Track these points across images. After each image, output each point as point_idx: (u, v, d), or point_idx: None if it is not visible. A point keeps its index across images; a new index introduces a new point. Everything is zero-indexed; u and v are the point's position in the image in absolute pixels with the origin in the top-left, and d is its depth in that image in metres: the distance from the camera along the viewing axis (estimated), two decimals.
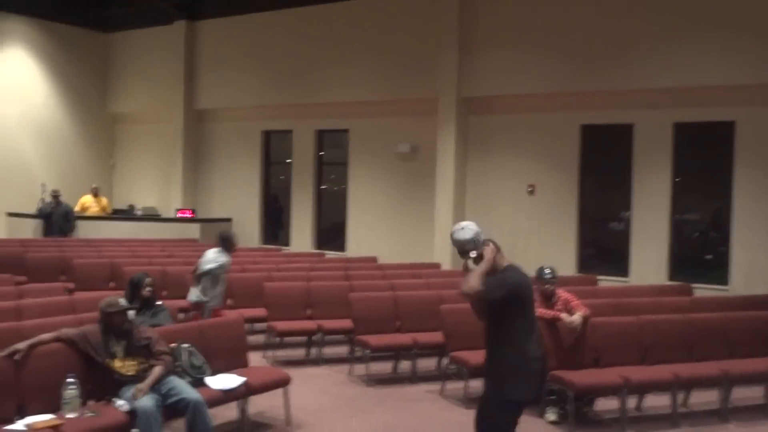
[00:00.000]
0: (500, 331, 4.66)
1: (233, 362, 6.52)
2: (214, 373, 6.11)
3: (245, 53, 17.26)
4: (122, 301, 5.48)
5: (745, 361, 7.34)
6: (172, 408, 5.36)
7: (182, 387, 5.44)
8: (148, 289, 6.82)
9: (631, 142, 12.41)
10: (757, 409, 7.36)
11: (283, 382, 6.44)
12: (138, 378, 5.35)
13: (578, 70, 12.59)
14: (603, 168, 13.24)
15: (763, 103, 11.13)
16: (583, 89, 12.66)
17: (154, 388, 5.32)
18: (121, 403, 5.19)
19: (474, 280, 4.52)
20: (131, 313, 6.56)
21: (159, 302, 7.02)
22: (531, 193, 13.51)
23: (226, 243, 8.27)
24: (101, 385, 5.36)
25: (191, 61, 18.22)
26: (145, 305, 6.79)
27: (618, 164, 12.73)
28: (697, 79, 11.46)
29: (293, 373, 8.27)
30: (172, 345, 5.93)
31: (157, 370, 5.41)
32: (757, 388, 7.63)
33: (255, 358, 8.83)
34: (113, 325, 5.42)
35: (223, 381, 5.94)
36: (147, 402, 5.10)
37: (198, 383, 5.79)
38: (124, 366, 5.39)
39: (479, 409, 4.78)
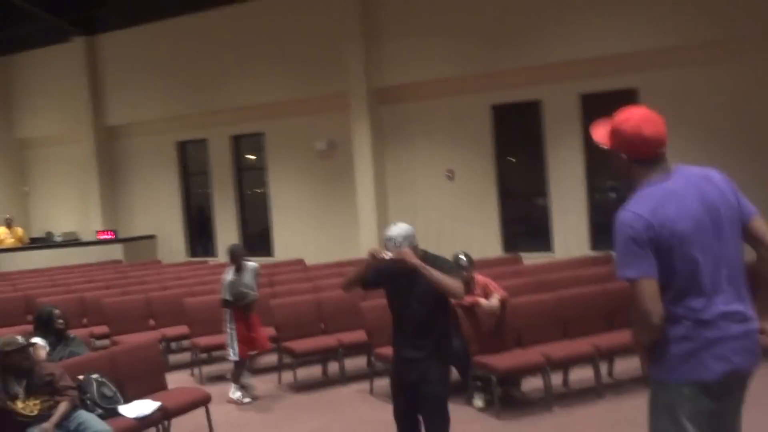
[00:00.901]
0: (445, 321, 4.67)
1: (150, 386, 6.30)
2: (130, 399, 5.90)
3: (150, 64, 16.87)
4: (20, 339, 5.22)
5: None
6: None
7: (91, 421, 5.23)
8: (60, 321, 6.56)
9: (541, 118, 12.57)
10: None
11: (203, 401, 6.26)
12: (43, 417, 5.11)
13: (483, 50, 12.68)
14: (517, 146, 13.39)
15: (663, 67, 11.36)
16: (490, 69, 12.76)
17: (62, 425, 5.11)
18: None
19: (454, 283, 4.48)
20: (42, 353, 6.31)
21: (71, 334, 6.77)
22: (450, 178, 13.55)
23: (230, 257, 7.86)
24: (3, 428, 5.10)
25: (95, 77, 17.73)
26: (58, 339, 6.54)
27: (531, 140, 12.89)
28: (597, 49, 11.66)
29: (222, 388, 8.14)
30: (80, 377, 5.71)
31: (62, 407, 5.18)
32: None
33: (182, 378, 8.66)
34: (12, 364, 5.17)
35: (137, 408, 5.74)
36: None
37: (111, 413, 5.58)
38: (27, 406, 5.14)
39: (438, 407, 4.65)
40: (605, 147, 3.31)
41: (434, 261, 4.56)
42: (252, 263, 7.76)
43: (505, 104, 13.03)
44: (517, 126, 13.25)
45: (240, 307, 7.44)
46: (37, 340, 6.31)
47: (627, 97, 11.66)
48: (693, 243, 2.99)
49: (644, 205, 3.08)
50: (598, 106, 12.19)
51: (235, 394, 7.51)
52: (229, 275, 7.57)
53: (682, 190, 3.08)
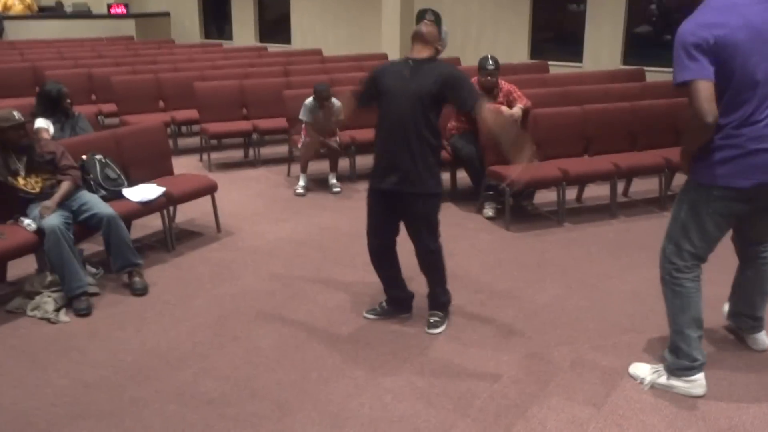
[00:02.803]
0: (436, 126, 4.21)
1: (155, 171, 6.18)
2: (134, 183, 5.79)
3: None
4: (17, 114, 4.97)
5: None
6: (86, 224, 5.07)
7: (94, 202, 5.12)
8: (68, 101, 6.33)
9: None
10: None
11: (209, 189, 6.15)
12: (45, 195, 4.99)
13: None
14: None
15: None
16: None
17: (64, 204, 4.99)
18: (28, 222, 4.87)
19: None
20: (51, 130, 6.13)
21: (76, 111, 6.55)
22: None
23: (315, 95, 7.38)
24: (7, 204, 5.02)
25: None
26: (65, 117, 6.33)
27: None
28: None
29: (229, 176, 8.09)
30: (84, 157, 5.55)
31: (64, 186, 5.05)
32: None
33: (191, 162, 8.59)
34: (9, 141, 4.96)
35: (142, 192, 5.63)
36: (54, 220, 4.78)
37: (115, 196, 5.48)
38: (28, 183, 5.01)
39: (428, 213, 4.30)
40: None
41: (453, 81, 4.07)
42: (338, 102, 7.24)
43: None
44: None
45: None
46: (40, 122, 6.10)
47: None
48: (751, 55, 3.14)
49: (708, 14, 3.21)
50: None
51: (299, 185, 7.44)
52: (310, 100, 7.25)
53: (747, 2, 3.19)
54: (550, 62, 11.28)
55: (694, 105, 3.11)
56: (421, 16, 4.18)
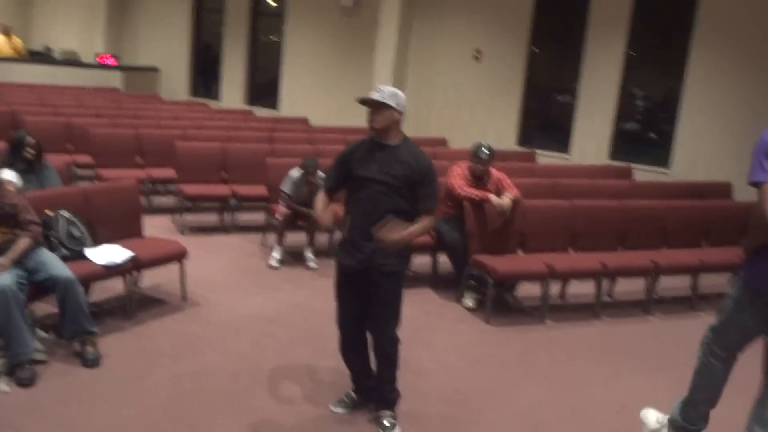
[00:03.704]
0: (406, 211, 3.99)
1: (124, 231, 5.84)
2: (100, 243, 5.45)
3: None
4: None
5: (675, 252, 7.04)
6: (41, 285, 4.71)
7: (52, 262, 4.76)
8: (29, 150, 6.04)
9: (587, 11, 11.59)
10: (682, 301, 7.11)
11: (179, 256, 5.83)
12: (1, 250, 4.64)
13: None
14: (554, 36, 12.46)
15: None
16: None
17: (19, 262, 4.64)
18: None
19: (425, 228, 4.01)
20: (19, 183, 5.82)
21: (46, 162, 6.26)
22: (477, 59, 12.72)
23: (303, 169, 7.15)
24: None
25: None
26: (29, 167, 6.04)
27: (570, 33, 11.96)
28: None
29: (202, 240, 7.77)
30: (49, 212, 5.22)
31: (21, 243, 4.70)
32: (685, 278, 7.37)
33: (163, 223, 8.27)
34: None
35: (107, 254, 5.28)
36: (6, 279, 4.42)
37: (76, 256, 5.14)
38: None
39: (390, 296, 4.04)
40: None
41: (420, 171, 3.89)
42: (323, 175, 7.06)
43: None
44: (559, 15, 12.27)
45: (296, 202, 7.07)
46: (6, 174, 5.78)
47: (685, 3, 10.76)
48: None
49: None
50: (651, 8, 11.26)
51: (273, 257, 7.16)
52: (295, 172, 7.08)
53: None
54: (537, 150, 11.23)
55: (762, 206, 3.27)
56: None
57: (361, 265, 3.94)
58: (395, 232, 3.76)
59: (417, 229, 3.91)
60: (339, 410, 4.32)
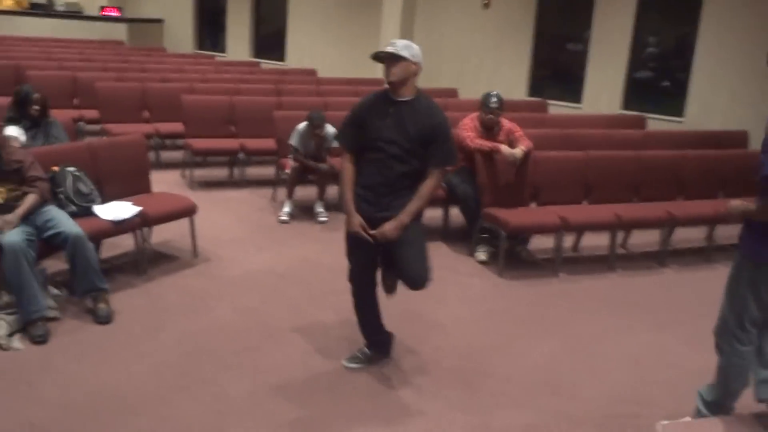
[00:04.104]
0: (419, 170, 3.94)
1: (132, 187, 5.79)
2: (108, 200, 5.40)
3: None
4: None
5: (691, 203, 6.93)
6: (50, 242, 4.67)
7: (60, 219, 4.72)
8: (35, 107, 5.94)
9: None
10: (698, 252, 7.03)
11: (188, 212, 5.77)
12: (8, 207, 4.59)
13: None
14: None
15: None
16: None
17: (28, 219, 4.60)
18: None
19: (431, 191, 3.91)
20: (22, 138, 5.76)
21: (52, 118, 6.18)
22: (486, 6, 12.44)
23: (309, 122, 6.98)
24: None
25: None
26: (35, 124, 5.96)
27: None
28: None
29: (211, 195, 7.72)
30: (55, 168, 5.16)
31: (29, 199, 4.65)
32: (701, 229, 7.29)
33: (172, 178, 8.21)
34: None
35: (115, 210, 5.23)
36: (14, 236, 4.39)
37: (85, 212, 5.09)
38: None
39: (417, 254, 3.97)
40: None
41: (432, 128, 3.82)
42: (331, 128, 6.98)
43: None
44: None
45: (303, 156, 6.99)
46: (10, 130, 5.72)
47: None
48: None
49: None
50: None
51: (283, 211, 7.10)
52: (302, 125, 6.94)
53: None
54: (548, 101, 11.05)
55: None
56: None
57: (381, 212, 3.86)
58: (395, 228, 3.79)
59: (419, 203, 3.84)
60: (352, 365, 4.30)
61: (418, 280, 3.90)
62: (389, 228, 3.81)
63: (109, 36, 14.74)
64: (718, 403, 3.65)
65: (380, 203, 3.87)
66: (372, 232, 3.84)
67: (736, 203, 3.50)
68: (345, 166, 3.98)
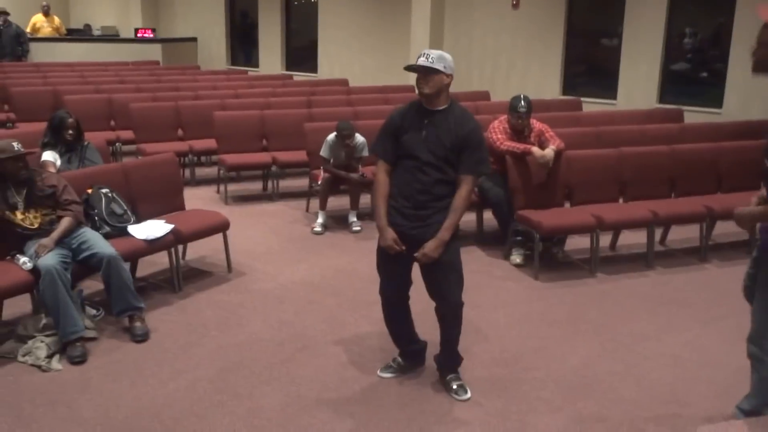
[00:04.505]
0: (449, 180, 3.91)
1: (166, 206, 5.87)
2: (142, 219, 5.48)
3: None
4: (16, 145, 4.69)
5: (730, 196, 6.75)
6: (86, 263, 4.76)
7: (95, 240, 4.80)
8: (70, 132, 6.05)
9: None
10: (738, 246, 6.85)
11: (221, 228, 5.83)
12: (43, 232, 4.70)
13: None
14: None
15: None
16: None
17: (63, 242, 4.69)
18: (24, 260, 4.56)
19: (465, 204, 3.84)
20: (58, 163, 5.89)
21: (86, 141, 6.29)
22: (515, 6, 12.36)
23: (337, 132, 7.02)
24: (4, 240, 4.72)
25: None
26: (70, 148, 6.08)
27: None
28: None
29: (246, 209, 7.79)
30: (89, 190, 5.26)
31: (64, 223, 4.75)
32: None
33: (207, 194, 8.31)
34: (8, 173, 4.68)
35: (149, 229, 5.31)
36: (50, 260, 4.48)
37: (119, 233, 5.18)
38: (27, 218, 4.72)
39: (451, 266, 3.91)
40: None
41: (464, 137, 3.76)
42: (361, 138, 7.06)
43: None
44: None
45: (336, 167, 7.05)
46: (47, 155, 5.85)
47: None
48: None
49: None
50: None
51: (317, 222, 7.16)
52: (332, 136, 6.99)
53: None
54: (582, 98, 10.90)
55: None
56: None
57: (415, 228, 3.82)
58: (436, 247, 3.74)
59: (456, 216, 3.78)
60: (387, 375, 4.28)
61: (456, 307, 3.93)
62: (430, 248, 3.74)
63: (144, 57, 15.01)
64: (759, 412, 3.53)
65: (417, 216, 3.81)
66: (415, 254, 3.79)
67: (742, 209, 3.33)
68: (379, 178, 3.95)
